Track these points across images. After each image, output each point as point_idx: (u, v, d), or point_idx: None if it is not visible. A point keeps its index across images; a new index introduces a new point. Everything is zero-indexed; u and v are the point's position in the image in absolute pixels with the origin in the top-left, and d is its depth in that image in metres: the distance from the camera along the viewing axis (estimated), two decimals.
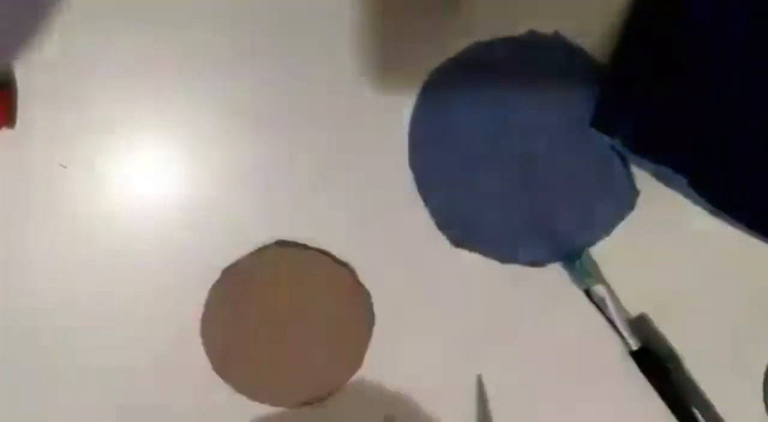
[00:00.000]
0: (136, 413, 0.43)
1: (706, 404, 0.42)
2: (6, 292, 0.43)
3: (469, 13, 0.41)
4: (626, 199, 0.41)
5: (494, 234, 0.42)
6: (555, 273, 0.42)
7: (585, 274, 0.41)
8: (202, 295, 0.42)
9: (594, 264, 0.42)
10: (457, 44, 0.41)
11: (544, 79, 0.41)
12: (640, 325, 0.42)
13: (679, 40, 0.39)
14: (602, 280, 0.41)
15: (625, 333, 0.41)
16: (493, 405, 0.42)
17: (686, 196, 0.40)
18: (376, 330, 0.42)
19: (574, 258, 0.41)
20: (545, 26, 0.41)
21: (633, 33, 0.40)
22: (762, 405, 0.41)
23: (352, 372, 0.43)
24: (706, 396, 0.42)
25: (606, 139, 0.39)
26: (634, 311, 0.42)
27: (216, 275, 0.42)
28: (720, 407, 0.42)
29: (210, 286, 0.42)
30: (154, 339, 0.43)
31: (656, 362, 0.41)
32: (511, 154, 0.41)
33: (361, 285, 0.42)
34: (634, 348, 0.41)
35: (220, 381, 0.43)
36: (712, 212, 0.40)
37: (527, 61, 0.41)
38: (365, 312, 0.42)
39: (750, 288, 0.42)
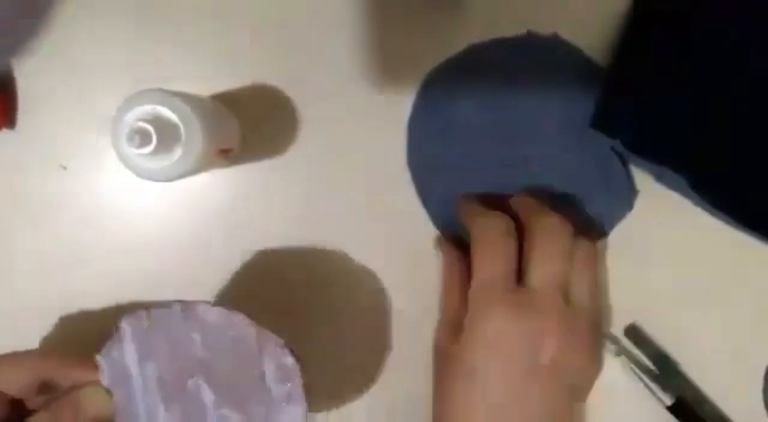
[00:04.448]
0: None
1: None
2: (7, 292, 0.43)
3: (468, 13, 0.41)
4: (626, 199, 0.41)
5: None
6: None
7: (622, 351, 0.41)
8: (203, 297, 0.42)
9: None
10: (456, 44, 0.41)
11: (543, 79, 0.41)
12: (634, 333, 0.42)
13: (679, 40, 0.39)
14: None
15: (656, 390, 0.40)
16: None
17: (686, 196, 0.40)
18: None
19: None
20: (544, 27, 0.41)
21: (633, 33, 0.40)
22: (762, 405, 0.41)
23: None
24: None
25: (606, 140, 0.39)
26: (633, 310, 0.42)
27: (216, 278, 0.42)
28: (720, 407, 0.42)
29: (212, 291, 0.42)
30: None
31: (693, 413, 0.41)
32: (511, 155, 0.41)
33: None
34: (668, 403, 0.40)
35: None
36: (712, 212, 0.40)
37: (526, 61, 0.41)
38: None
39: (750, 288, 0.42)
